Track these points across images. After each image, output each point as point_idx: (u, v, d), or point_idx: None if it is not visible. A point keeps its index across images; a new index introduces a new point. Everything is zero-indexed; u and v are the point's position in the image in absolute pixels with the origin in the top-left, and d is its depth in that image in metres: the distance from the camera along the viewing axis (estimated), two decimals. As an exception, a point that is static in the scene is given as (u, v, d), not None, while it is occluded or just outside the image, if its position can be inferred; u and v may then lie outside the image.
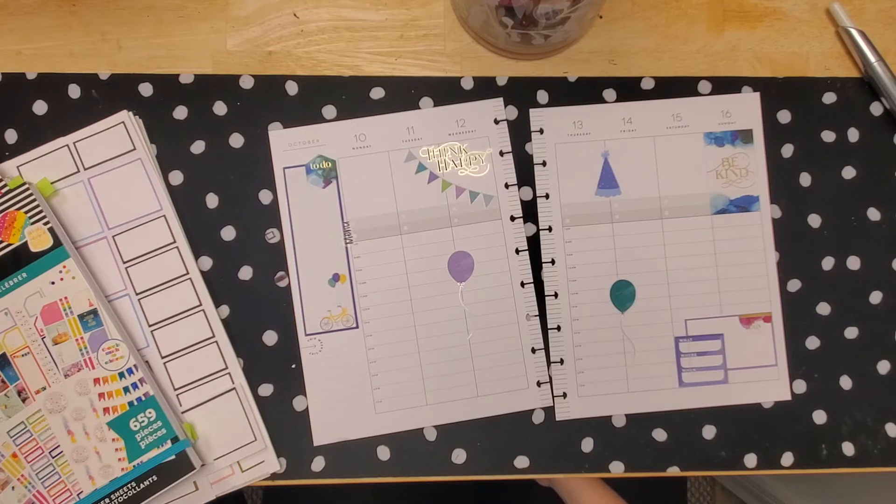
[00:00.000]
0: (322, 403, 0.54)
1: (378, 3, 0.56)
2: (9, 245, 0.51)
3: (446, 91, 0.56)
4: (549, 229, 0.55)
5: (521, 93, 0.56)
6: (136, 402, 0.51)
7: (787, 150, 0.57)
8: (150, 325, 0.53)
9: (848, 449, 0.55)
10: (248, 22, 0.56)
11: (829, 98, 0.57)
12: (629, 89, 0.56)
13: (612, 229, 0.55)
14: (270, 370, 0.54)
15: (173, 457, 0.51)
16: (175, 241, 0.54)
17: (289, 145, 0.55)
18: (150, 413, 0.51)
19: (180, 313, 0.53)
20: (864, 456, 0.55)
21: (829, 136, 0.57)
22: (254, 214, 0.55)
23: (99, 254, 0.53)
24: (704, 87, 0.57)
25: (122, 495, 0.50)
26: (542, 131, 0.56)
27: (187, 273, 0.54)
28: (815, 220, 0.56)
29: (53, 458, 0.51)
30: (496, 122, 0.56)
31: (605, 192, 0.56)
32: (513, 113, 0.56)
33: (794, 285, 0.56)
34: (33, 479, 0.51)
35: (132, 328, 0.53)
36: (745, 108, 0.56)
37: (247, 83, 0.55)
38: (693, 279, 0.55)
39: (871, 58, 0.56)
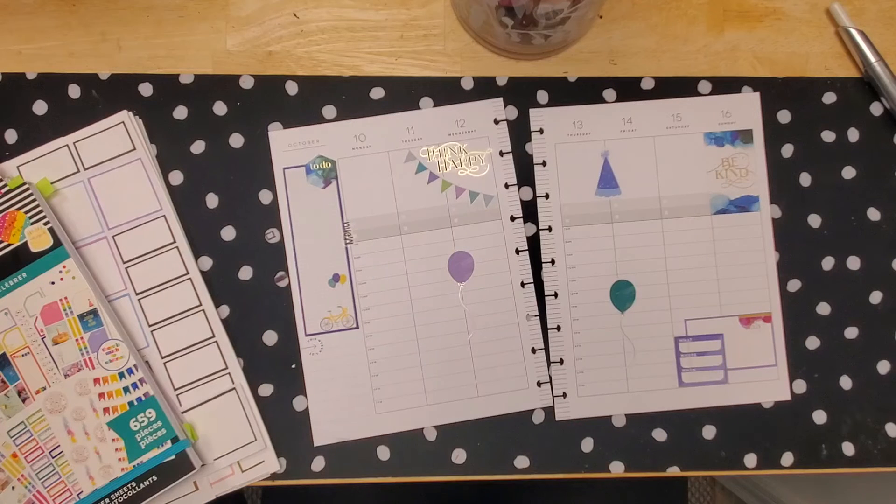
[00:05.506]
0: (322, 403, 0.54)
1: (378, 3, 0.56)
2: (9, 245, 0.51)
3: (446, 91, 0.56)
4: (549, 229, 0.55)
5: (521, 93, 0.56)
6: (136, 402, 0.51)
7: (787, 150, 0.57)
8: (150, 325, 0.53)
9: (848, 449, 0.55)
10: (248, 22, 0.56)
11: (829, 98, 0.57)
12: (629, 89, 0.56)
13: (612, 229, 0.55)
14: (270, 370, 0.54)
15: (173, 457, 0.51)
16: (175, 241, 0.54)
17: (289, 145, 0.55)
18: (150, 413, 0.51)
19: (180, 313, 0.53)
20: (864, 456, 0.55)
21: (829, 136, 0.57)
22: (254, 214, 0.55)
23: (99, 254, 0.53)
24: (704, 87, 0.57)
25: (122, 495, 0.50)
26: (542, 131, 0.56)
27: (187, 273, 0.54)
28: (815, 220, 0.56)
29: (53, 458, 0.51)
30: (496, 122, 0.56)
31: (605, 192, 0.56)
32: (513, 113, 0.56)
33: (794, 285, 0.56)
34: (33, 479, 0.51)
35: (132, 328, 0.53)
36: (745, 108, 0.56)
37: (247, 83, 0.55)
38: (693, 279, 0.55)
39: (871, 58, 0.56)
